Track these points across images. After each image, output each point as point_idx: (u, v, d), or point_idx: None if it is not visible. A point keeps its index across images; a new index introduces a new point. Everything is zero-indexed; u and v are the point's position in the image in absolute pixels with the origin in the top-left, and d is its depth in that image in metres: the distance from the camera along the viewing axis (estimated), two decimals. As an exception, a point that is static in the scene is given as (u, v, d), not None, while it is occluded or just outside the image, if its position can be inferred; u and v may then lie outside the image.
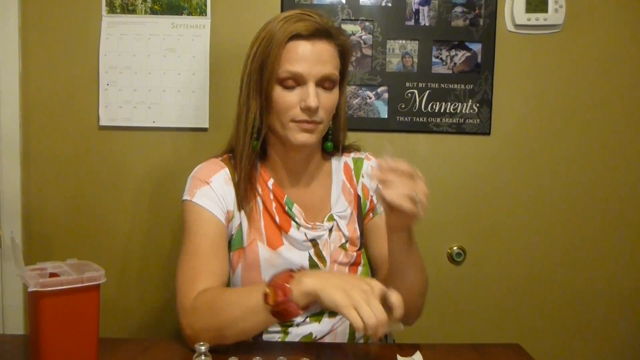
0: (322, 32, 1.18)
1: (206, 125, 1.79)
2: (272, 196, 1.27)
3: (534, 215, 1.87)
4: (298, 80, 1.17)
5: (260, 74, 1.19)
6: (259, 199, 1.27)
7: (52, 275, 0.99)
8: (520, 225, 1.87)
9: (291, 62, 1.16)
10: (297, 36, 1.16)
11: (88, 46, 1.77)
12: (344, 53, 1.24)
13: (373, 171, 1.02)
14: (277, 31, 1.17)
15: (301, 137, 1.19)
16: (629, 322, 1.91)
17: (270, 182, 1.28)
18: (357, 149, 1.42)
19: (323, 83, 1.18)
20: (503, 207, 1.87)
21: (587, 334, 1.90)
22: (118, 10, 1.76)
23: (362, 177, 1.36)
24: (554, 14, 1.77)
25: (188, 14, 1.77)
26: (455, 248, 1.87)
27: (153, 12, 1.77)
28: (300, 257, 1.26)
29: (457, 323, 1.89)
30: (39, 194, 1.81)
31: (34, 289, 0.92)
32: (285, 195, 1.28)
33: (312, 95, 1.15)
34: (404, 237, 1.11)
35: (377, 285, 1.01)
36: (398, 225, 1.09)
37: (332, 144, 1.32)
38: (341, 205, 1.32)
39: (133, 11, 1.77)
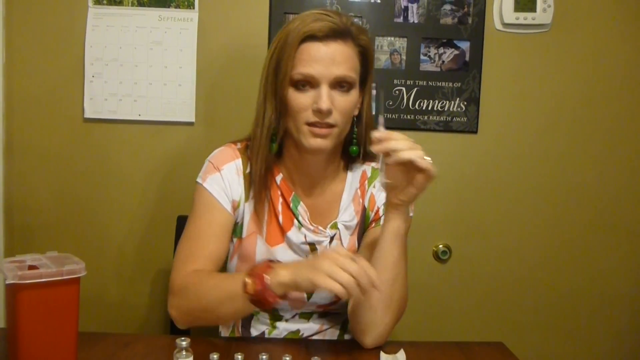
0: (339, 33, 1.14)
1: (192, 120, 1.78)
2: (279, 192, 1.26)
3: (520, 214, 1.88)
4: (311, 83, 1.14)
5: (275, 75, 1.17)
6: (267, 194, 1.26)
7: (31, 267, 0.98)
8: (506, 224, 1.88)
9: (304, 63, 1.13)
10: (312, 37, 1.13)
11: (73, 37, 1.75)
12: (365, 54, 1.20)
13: (375, 143, 1.07)
14: (292, 32, 1.14)
15: (314, 142, 1.16)
16: (612, 321, 1.92)
17: (279, 177, 1.27)
18: None
19: (338, 85, 1.15)
20: (489, 205, 1.87)
21: (570, 333, 1.91)
22: (104, 2, 1.74)
23: (373, 187, 1.31)
24: (543, 13, 1.78)
25: (175, 7, 1.75)
26: (440, 246, 1.87)
27: (140, 4, 1.75)
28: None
29: (442, 321, 1.90)
30: (21, 186, 1.78)
31: (12, 282, 0.90)
32: (293, 192, 1.27)
33: (324, 97, 1.12)
34: (401, 215, 1.13)
35: (342, 250, 1.10)
36: (405, 198, 1.11)
37: (357, 147, 1.26)
38: (349, 215, 1.29)
39: (120, 3, 1.74)
